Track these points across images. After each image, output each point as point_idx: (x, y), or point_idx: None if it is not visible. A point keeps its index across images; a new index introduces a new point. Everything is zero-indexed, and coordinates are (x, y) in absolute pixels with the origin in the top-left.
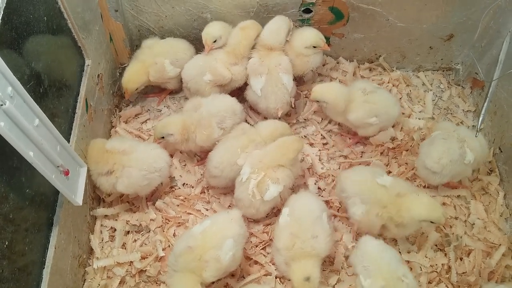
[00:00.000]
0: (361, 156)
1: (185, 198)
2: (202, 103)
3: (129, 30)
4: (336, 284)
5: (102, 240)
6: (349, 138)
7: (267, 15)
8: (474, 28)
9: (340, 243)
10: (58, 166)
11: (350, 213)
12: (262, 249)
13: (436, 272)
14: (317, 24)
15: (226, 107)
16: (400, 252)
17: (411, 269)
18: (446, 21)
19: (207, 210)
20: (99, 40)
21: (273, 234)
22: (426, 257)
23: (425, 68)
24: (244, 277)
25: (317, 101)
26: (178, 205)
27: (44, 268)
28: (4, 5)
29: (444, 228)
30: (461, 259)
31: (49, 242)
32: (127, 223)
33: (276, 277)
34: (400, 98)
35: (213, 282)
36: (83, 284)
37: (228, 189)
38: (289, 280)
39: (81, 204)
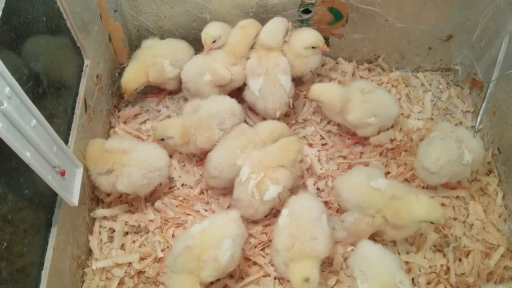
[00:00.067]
0: (360, 157)
1: (184, 198)
2: (201, 105)
3: (128, 30)
4: (335, 285)
5: (101, 241)
6: (348, 139)
7: (266, 15)
8: (473, 29)
9: (339, 244)
10: (54, 167)
11: (339, 230)
12: (261, 250)
13: (435, 273)
14: (316, 25)
15: (225, 108)
16: (399, 253)
17: (410, 270)
18: (445, 21)
19: (206, 210)
20: (98, 40)
21: (272, 235)
22: (425, 258)
23: (424, 68)
24: (243, 278)
25: (315, 100)
26: (177, 206)
27: (42, 269)
28: (3, 5)
29: (443, 229)
30: (460, 260)
31: (47, 243)
32: (126, 224)
33: (275, 278)
34: (399, 99)
35: (212, 283)
36: (82, 285)
37: (227, 190)
38: (288, 281)
39: (77, 204)
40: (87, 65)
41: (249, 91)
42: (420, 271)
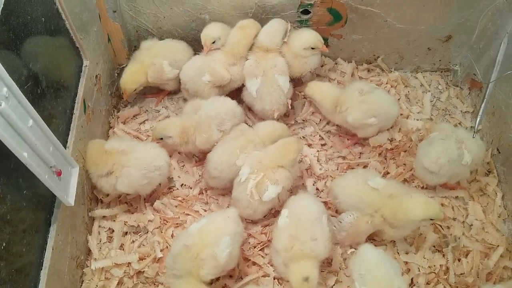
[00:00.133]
0: (359, 157)
1: (183, 199)
2: (201, 105)
3: (127, 31)
4: (334, 285)
5: (100, 241)
6: (348, 139)
7: (265, 16)
8: (472, 30)
9: (338, 245)
10: (51, 167)
11: (337, 231)
12: (260, 250)
13: (434, 273)
14: (315, 25)
15: (226, 110)
16: (398, 253)
17: (409, 270)
18: (444, 22)
19: (205, 211)
20: (97, 41)
21: (272, 236)
22: (424, 258)
23: (423, 69)
24: (242, 278)
25: (308, 96)
26: (176, 206)
27: (41, 270)
28: (2, 5)
29: (442, 229)
30: (459, 260)
31: (46, 243)
32: (125, 224)
33: (274, 278)
34: (399, 99)
35: (211, 283)
36: (81, 285)
37: (227, 190)
38: (287, 281)
39: (73, 204)
40: (86, 66)
41: (247, 92)
42: (419, 271)
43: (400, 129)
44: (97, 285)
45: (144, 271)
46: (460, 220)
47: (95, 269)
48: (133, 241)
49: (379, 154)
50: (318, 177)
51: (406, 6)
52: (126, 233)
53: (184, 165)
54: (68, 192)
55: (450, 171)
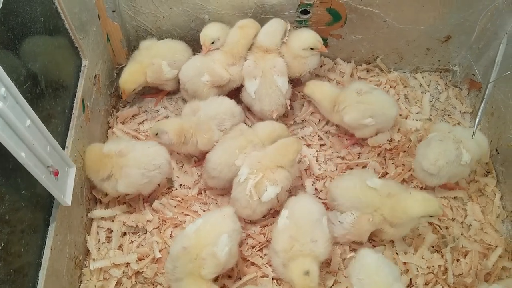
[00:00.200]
0: (358, 158)
1: (182, 199)
2: (200, 106)
3: (126, 30)
4: (333, 285)
5: (99, 241)
6: (347, 139)
7: (264, 16)
8: (471, 30)
9: (337, 245)
10: (48, 167)
11: (336, 228)
12: (258, 250)
13: (433, 273)
14: (314, 25)
15: (224, 109)
16: (397, 253)
17: (408, 270)
18: (444, 22)
19: (204, 211)
20: (96, 40)
21: (271, 236)
22: (423, 259)
23: (422, 69)
24: (240, 278)
25: (307, 96)
26: (175, 206)
27: (40, 270)
28: (1, 5)
29: (441, 229)
30: (457, 260)
31: (45, 244)
32: (123, 224)
33: (273, 279)
34: (398, 99)
35: None
36: (80, 285)
37: (225, 190)
38: (286, 282)
39: (70, 204)
40: (85, 66)
41: (246, 92)
42: (418, 271)
43: (399, 129)
44: (95, 286)
45: (142, 271)
46: (459, 221)
47: (93, 270)
48: (131, 242)
49: (378, 154)
50: (317, 177)
51: (405, 6)
52: (125, 233)
53: (183, 165)
54: (65, 192)
55: (449, 172)
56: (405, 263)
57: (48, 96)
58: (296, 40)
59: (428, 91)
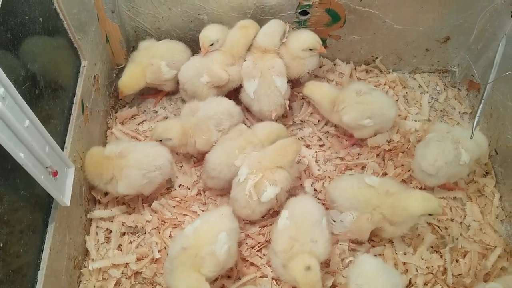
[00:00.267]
0: (358, 158)
1: (181, 199)
2: (199, 107)
3: (125, 31)
4: (332, 285)
5: (98, 242)
6: (346, 140)
7: (263, 16)
8: (470, 31)
9: (337, 245)
10: (47, 167)
11: (335, 227)
12: (258, 250)
13: (432, 273)
14: (313, 26)
15: (223, 110)
16: (396, 253)
17: (407, 270)
18: (443, 23)
19: (203, 211)
20: (95, 41)
21: (271, 237)
22: (422, 259)
23: (421, 70)
24: (240, 279)
25: (306, 96)
26: (174, 207)
27: (39, 270)
28: (0, 5)
29: (440, 230)
30: (457, 260)
31: (44, 244)
32: (122, 225)
33: (272, 279)
34: (397, 100)
35: (209, 283)
36: (79, 285)
37: (225, 191)
38: (285, 282)
39: (68, 204)
40: (84, 66)
41: (245, 93)
42: (417, 271)
43: (398, 130)
44: (94, 286)
45: (142, 271)
46: (458, 221)
47: (92, 270)
48: (131, 242)
49: (377, 155)
50: (316, 178)
51: (404, 7)
52: (124, 233)
53: (182, 166)
54: (64, 192)
55: (448, 172)
56: (404, 263)
57: (47, 97)
58: (295, 41)
59: (427, 92)
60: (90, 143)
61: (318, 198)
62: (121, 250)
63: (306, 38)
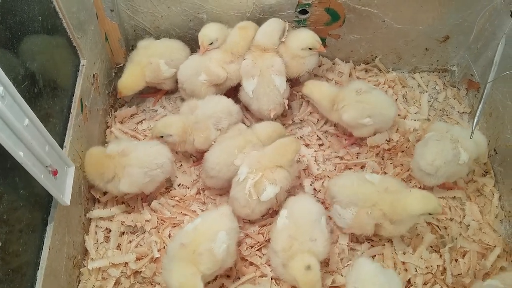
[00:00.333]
0: (357, 157)
1: (181, 199)
2: (197, 105)
3: (124, 30)
4: (331, 284)
5: (97, 241)
6: (345, 139)
7: (263, 16)
8: (469, 30)
9: (336, 245)
10: (47, 166)
11: (338, 222)
12: (257, 250)
13: (431, 273)
14: (313, 25)
15: (221, 108)
16: (395, 253)
17: (406, 270)
18: (442, 23)
19: (202, 211)
20: (95, 40)
21: (270, 236)
22: (421, 258)
23: (421, 69)
24: (239, 278)
25: (306, 95)
26: (173, 206)
27: (38, 269)
28: None
29: (439, 229)
30: (456, 260)
31: (43, 243)
32: (122, 224)
33: (271, 278)
34: (396, 99)
35: (208, 283)
36: (78, 285)
37: (224, 190)
38: (284, 282)
39: (69, 204)
40: (83, 65)
41: (244, 92)
42: (416, 271)
43: (397, 129)
44: (94, 285)
45: (141, 271)
46: (457, 221)
47: (92, 269)
48: (130, 241)
49: (377, 154)
50: (315, 177)
51: (404, 7)
52: (123, 233)
53: (181, 165)
54: (64, 191)
55: (447, 171)
56: (403, 262)
57: (46, 96)
58: (294, 40)
59: (426, 91)
60: (89, 142)
61: (317, 197)
62: (120, 249)
63: (305, 37)
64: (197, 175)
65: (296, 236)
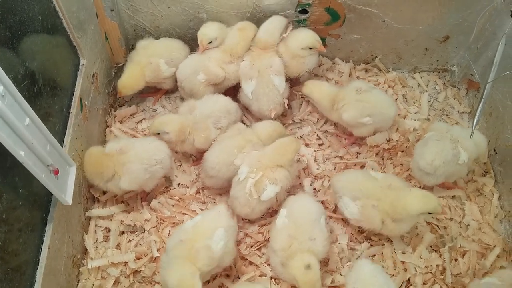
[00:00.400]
0: (357, 157)
1: (180, 198)
2: (196, 105)
3: (124, 29)
4: (330, 284)
5: (97, 240)
6: (345, 139)
7: (263, 15)
8: (470, 30)
9: (335, 244)
10: (48, 166)
11: (347, 214)
12: (257, 249)
13: (431, 273)
14: (313, 25)
15: (220, 107)
16: (395, 252)
17: (406, 269)
18: (442, 22)
19: (202, 210)
20: (95, 39)
21: (270, 235)
22: (421, 258)
23: (421, 69)
24: (239, 278)
25: (306, 95)
26: (173, 205)
27: (37, 269)
28: None
29: (439, 229)
30: (455, 260)
31: (42, 242)
32: (121, 223)
33: (271, 278)
34: (396, 99)
35: (208, 282)
36: (77, 284)
37: (224, 190)
38: (284, 281)
39: (70, 203)
40: (83, 64)
41: (243, 93)
42: (416, 271)
43: (397, 129)
44: (93, 284)
45: (140, 270)
46: (457, 220)
47: (91, 268)
48: (129, 240)
49: (376, 154)
50: (315, 177)
51: (404, 6)
52: (123, 232)
53: (181, 165)
54: (65, 191)
55: (447, 171)
56: (403, 262)
57: (46, 95)
58: (294, 39)
59: (426, 91)
60: (89, 141)
61: (317, 197)
62: (120, 248)
63: (305, 37)
64: (196, 175)
65: (295, 235)
